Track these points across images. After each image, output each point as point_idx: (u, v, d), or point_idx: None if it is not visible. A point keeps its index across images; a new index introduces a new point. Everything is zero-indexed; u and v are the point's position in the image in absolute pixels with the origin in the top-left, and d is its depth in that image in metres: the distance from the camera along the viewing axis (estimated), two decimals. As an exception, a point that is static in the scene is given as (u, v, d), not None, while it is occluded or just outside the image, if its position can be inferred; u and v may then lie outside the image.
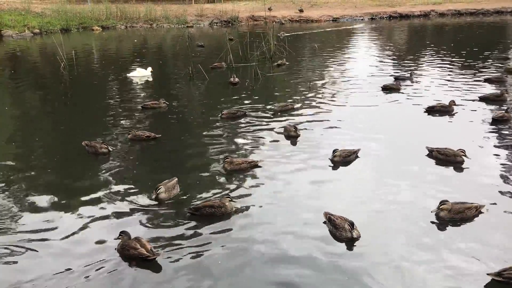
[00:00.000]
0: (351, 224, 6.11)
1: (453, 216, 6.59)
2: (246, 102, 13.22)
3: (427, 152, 8.90)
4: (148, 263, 5.82)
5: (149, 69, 17.34)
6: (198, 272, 5.67)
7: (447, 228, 6.48)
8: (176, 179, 7.58)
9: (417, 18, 37.53)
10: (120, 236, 6.13)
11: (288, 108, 12.04)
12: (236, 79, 15.62)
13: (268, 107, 12.35)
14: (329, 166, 8.52)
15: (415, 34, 29.25)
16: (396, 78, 15.34)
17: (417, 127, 10.81)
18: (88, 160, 9.21)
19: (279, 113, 11.74)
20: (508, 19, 35.33)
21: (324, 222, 6.51)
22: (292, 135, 10.00)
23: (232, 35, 25.82)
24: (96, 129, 10.99)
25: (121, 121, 11.74)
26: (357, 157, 8.78)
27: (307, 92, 14.17)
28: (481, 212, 6.76)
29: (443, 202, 6.66)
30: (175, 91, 15.23)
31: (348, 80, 15.69)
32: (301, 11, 38.03)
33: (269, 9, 36.99)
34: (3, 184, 8.11)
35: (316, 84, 15.20)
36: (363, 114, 11.74)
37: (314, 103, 12.92)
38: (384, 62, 19.13)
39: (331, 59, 20.07)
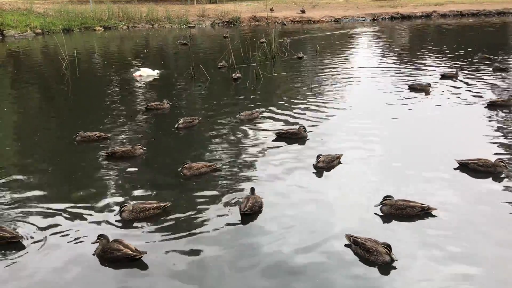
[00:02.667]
0: (389, 247, 5.76)
1: (393, 211, 6.78)
2: (246, 102, 13.24)
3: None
4: (133, 263, 5.82)
5: (156, 71, 17.47)
6: (186, 269, 5.73)
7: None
8: (164, 204, 7.04)
9: (419, 19, 37.49)
10: (98, 240, 6.02)
11: (254, 116, 11.58)
12: (238, 75, 16.14)
13: (237, 116, 11.71)
14: (313, 172, 8.43)
15: (417, 35, 29.21)
16: (443, 75, 15.39)
17: (423, 132, 10.69)
18: (89, 160, 9.23)
19: (246, 122, 11.30)
20: (510, 20, 35.25)
21: (349, 246, 6.11)
22: (303, 136, 10.01)
23: (230, 35, 25.80)
24: (99, 130, 10.98)
25: (126, 122, 11.70)
26: (339, 162, 8.67)
27: (308, 93, 14.16)
28: (430, 213, 6.79)
29: (386, 198, 6.83)
30: (178, 91, 15.23)
31: (350, 81, 15.68)
32: (303, 11, 38.01)
33: (271, 9, 36.99)
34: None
35: (317, 85, 15.19)
36: (365, 116, 11.72)
37: (314, 104, 12.91)
38: (387, 62, 19.09)
39: (333, 60, 20.05)
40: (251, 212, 6.85)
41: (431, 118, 11.40)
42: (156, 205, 6.94)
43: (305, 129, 10.12)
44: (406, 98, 13.22)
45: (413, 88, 14.06)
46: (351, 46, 24.75)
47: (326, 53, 22.00)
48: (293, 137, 10.03)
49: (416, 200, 6.94)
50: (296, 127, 10.30)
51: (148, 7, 36.12)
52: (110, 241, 6.01)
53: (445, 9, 39.32)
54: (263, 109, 12.17)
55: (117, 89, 15.59)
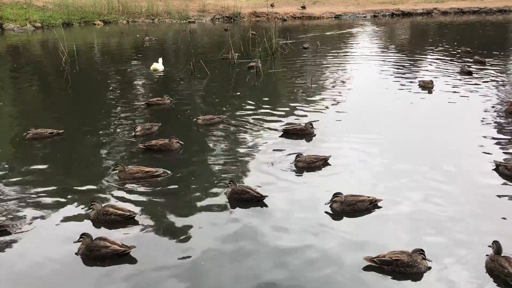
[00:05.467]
0: (423, 252, 5.58)
1: (344, 208, 6.80)
2: (246, 98, 13.21)
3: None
4: (121, 258, 5.80)
5: (160, 60, 17.41)
6: (176, 263, 5.76)
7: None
8: (129, 214, 6.69)
9: (420, 16, 37.46)
10: (81, 239, 5.89)
11: (214, 121, 10.81)
12: (253, 63, 16.65)
13: (194, 120, 11.08)
14: (303, 171, 8.42)
15: (418, 32, 29.18)
16: (468, 72, 15.59)
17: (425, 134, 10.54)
18: (90, 156, 9.22)
19: (204, 126, 10.65)
20: (511, 18, 35.22)
21: (377, 267, 5.60)
22: (309, 132, 9.94)
23: (230, 31, 25.78)
24: (100, 126, 10.95)
25: (126, 118, 11.62)
26: (326, 163, 8.47)
27: (309, 89, 14.13)
28: (376, 205, 6.91)
29: (336, 194, 6.85)
30: (178, 87, 15.17)
31: (352, 77, 15.65)
32: (303, 7, 37.92)
33: (272, 5, 36.87)
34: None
35: (318, 81, 15.16)
36: (368, 112, 11.67)
37: (316, 100, 12.88)
38: (388, 59, 19.04)
39: (333, 56, 20.01)
40: (262, 198, 7.10)
41: (436, 116, 11.35)
42: (119, 212, 6.64)
43: (312, 125, 10.02)
44: (409, 94, 13.24)
45: (418, 85, 14.05)
46: (351, 42, 24.68)
47: (326, 49, 21.91)
48: (300, 133, 9.95)
49: (363, 194, 7.00)
50: (303, 123, 10.21)
51: (148, 1, 35.94)
52: (94, 239, 5.90)
53: (446, 6, 39.26)
54: (225, 116, 11.23)
55: (117, 83, 15.54)
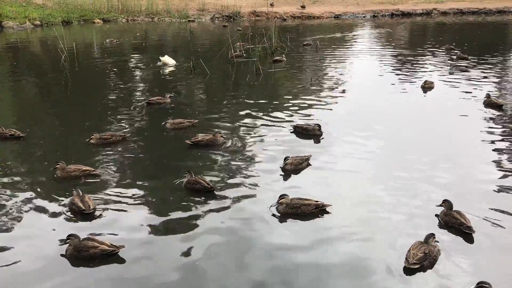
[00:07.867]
0: (434, 235, 5.87)
1: (288, 210, 6.70)
2: (246, 99, 13.20)
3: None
4: (109, 258, 5.77)
5: (172, 60, 17.68)
6: (162, 262, 5.75)
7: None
8: (83, 208, 6.63)
9: (419, 16, 37.51)
10: (69, 240, 5.83)
11: (184, 125, 10.44)
12: (277, 57, 17.90)
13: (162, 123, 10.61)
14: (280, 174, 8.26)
15: (417, 32, 29.22)
16: (463, 69, 15.97)
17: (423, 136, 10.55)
18: (88, 153, 9.20)
19: (171, 130, 10.31)
20: (510, 19, 35.29)
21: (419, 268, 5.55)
22: (316, 134, 9.90)
23: (230, 30, 25.79)
24: (99, 124, 10.93)
25: (126, 117, 11.56)
26: (308, 164, 8.42)
27: (308, 89, 14.13)
28: (325, 210, 6.80)
29: (282, 196, 6.76)
30: (178, 86, 15.14)
31: (351, 77, 15.66)
32: (303, 7, 37.96)
33: (271, 4, 36.89)
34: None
35: (318, 80, 15.16)
36: (366, 112, 11.67)
37: (315, 100, 12.87)
38: (387, 58, 19.05)
39: (333, 55, 20.01)
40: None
41: (434, 115, 11.38)
42: (79, 204, 6.65)
43: (320, 127, 9.95)
44: (409, 94, 13.32)
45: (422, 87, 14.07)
46: (351, 42, 24.69)
47: (326, 47, 21.90)
48: (304, 132, 9.96)
49: (311, 198, 6.88)
50: (312, 123, 10.20)
51: (148, 0, 35.96)
52: (82, 239, 5.86)
53: (446, 6, 39.33)
54: (196, 120, 10.76)
55: (117, 82, 15.52)
